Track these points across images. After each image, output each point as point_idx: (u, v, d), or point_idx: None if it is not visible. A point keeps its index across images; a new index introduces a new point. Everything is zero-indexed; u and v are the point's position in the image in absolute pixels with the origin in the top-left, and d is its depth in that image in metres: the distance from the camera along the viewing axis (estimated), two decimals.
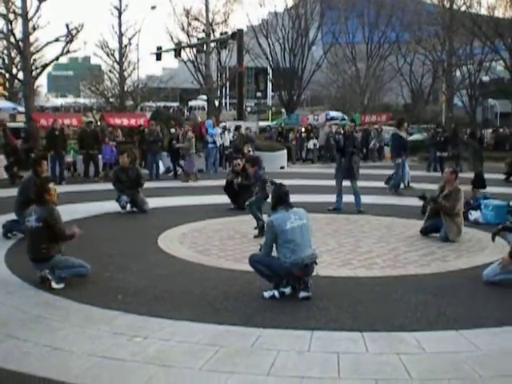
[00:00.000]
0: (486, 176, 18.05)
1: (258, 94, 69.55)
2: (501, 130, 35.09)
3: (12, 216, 10.48)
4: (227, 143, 24.57)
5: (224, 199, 13.96)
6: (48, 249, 7.26)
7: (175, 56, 39.25)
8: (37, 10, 31.21)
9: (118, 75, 39.00)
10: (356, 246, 9.65)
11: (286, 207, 6.91)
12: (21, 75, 33.09)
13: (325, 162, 28.81)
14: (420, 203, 12.12)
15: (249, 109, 63.13)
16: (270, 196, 7.43)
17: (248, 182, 13.22)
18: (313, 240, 7.06)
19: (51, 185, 7.59)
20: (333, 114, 44.73)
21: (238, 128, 24.42)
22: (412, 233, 10.75)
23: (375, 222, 12.11)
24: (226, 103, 66.05)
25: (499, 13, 45.91)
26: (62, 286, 7.12)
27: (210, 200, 14.95)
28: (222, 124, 28.68)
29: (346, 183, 13.39)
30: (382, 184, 17.95)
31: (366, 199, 13.42)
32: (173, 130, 23.34)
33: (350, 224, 11.86)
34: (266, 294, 6.73)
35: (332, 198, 13.64)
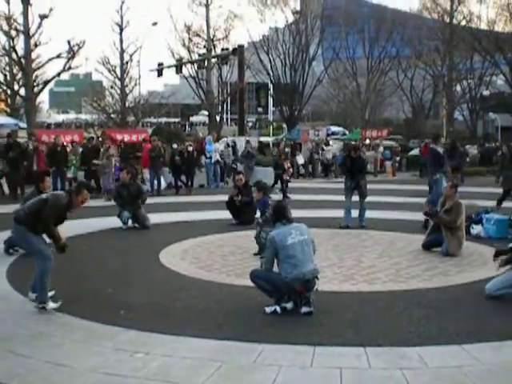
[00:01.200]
0: (481, 190, 18.02)
1: (259, 109, 69.78)
2: (486, 144, 35.07)
3: None
4: (226, 159, 24.71)
5: (225, 214, 13.98)
6: (25, 213, 6.93)
7: (176, 72, 39.48)
8: (38, 27, 31.47)
9: (119, 91, 39.20)
10: (358, 261, 9.65)
11: (284, 222, 6.93)
12: (22, 91, 33.27)
13: (321, 177, 28.74)
14: (422, 218, 12.14)
15: (250, 124, 63.35)
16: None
17: (248, 199, 13.27)
18: (314, 255, 7.08)
19: (86, 193, 7.11)
20: (334, 129, 44.93)
21: (277, 144, 24.43)
22: (414, 247, 10.75)
23: (377, 236, 12.11)
24: (227, 118, 66.25)
25: (499, 27, 46.22)
26: (58, 304, 6.94)
27: (211, 215, 14.96)
28: (224, 139, 28.76)
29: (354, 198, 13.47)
30: (383, 199, 17.95)
31: (367, 214, 13.42)
32: (175, 146, 23.41)
33: (351, 239, 11.85)
34: (268, 310, 6.73)
35: (334, 213, 13.65)
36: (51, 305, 6.93)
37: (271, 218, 7.18)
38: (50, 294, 7.05)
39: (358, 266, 9.26)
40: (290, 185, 20.55)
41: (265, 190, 10.77)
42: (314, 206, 16.52)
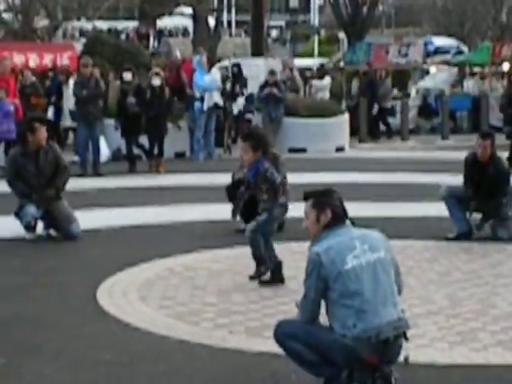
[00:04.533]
0: None
1: (293, 3, 69.70)
2: None
3: None
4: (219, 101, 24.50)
5: (226, 211, 14.01)
6: None
7: None
8: None
9: None
10: (487, 305, 9.65)
11: (346, 226, 6.89)
12: None
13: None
14: None
15: (274, 33, 63.37)
16: None
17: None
18: (401, 293, 7.06)
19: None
20: (440, 42, 44.72)
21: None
22: None
23: None
24: (229, 22, 66.28)
25: None
26: None
27: (199, 214, 15.10)
28: (220, 64, 28.85)
29: None
30: None
31: None
32: (128, 77, 23.43)
33: (473, 261, 11.89)
34: None
35: (435, 209, 13.66)
36: None
37: (325, 222, 7.05)
38: None
39: (487, 315, 9.26)
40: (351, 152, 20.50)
41: (262, 145, 10.60)
42: (393, 197, 16.54)
